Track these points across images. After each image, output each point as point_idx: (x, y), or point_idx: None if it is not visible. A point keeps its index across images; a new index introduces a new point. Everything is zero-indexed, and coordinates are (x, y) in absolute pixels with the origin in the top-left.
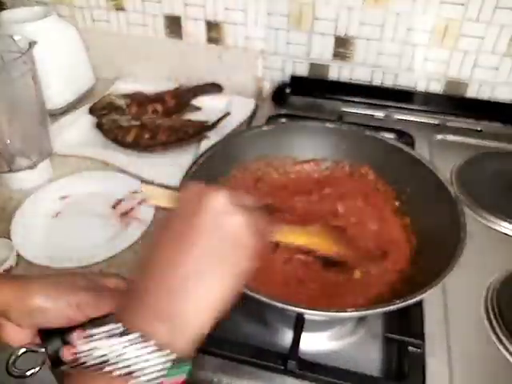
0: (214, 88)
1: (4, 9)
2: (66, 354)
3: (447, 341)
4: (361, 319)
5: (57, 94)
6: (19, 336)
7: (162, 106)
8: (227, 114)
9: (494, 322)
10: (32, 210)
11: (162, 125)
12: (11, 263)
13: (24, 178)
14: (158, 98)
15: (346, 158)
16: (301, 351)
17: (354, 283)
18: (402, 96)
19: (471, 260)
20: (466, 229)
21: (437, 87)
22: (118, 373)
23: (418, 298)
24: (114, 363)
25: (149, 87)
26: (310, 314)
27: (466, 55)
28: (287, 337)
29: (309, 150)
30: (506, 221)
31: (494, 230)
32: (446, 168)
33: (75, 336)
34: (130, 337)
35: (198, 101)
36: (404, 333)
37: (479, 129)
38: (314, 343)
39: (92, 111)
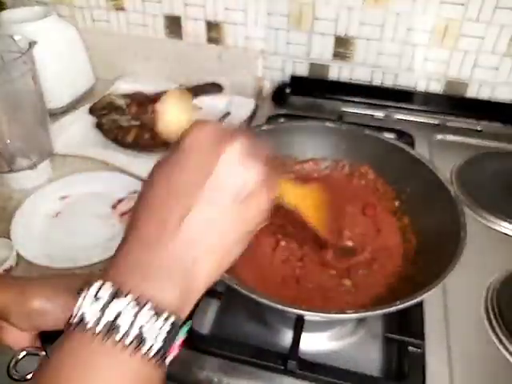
0: (214, 88)
1: (4, 9)
2: None
3: (447, 341)
4: (361, 320)
5: (57, 93)
6: (19, 338)
7: None
8: (227, 114)
9: (494, 322)
10: (32, 209)
11: None
12: (11, 263)
13: (24, 177)
14: (158, 98)
15: (346, 158)
16: (301, 351)
17: (352, 283)
18: (401, 96)
19: (471, 260)
20: (466, 229)
21: (437, 87)
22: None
23: (418, 299)
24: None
25: (149, 87)
26: (310, 316)
27: (466, 55)
28: (287, 337)
29: (309, 149)
30: (506, 221)
31: (494, 230)
32: (446, 168)
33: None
34: (129, 301)
35: (198, 101)
36: (404, 333)
37: (479, 129)
38: (314, 343)
39: (92, 111)
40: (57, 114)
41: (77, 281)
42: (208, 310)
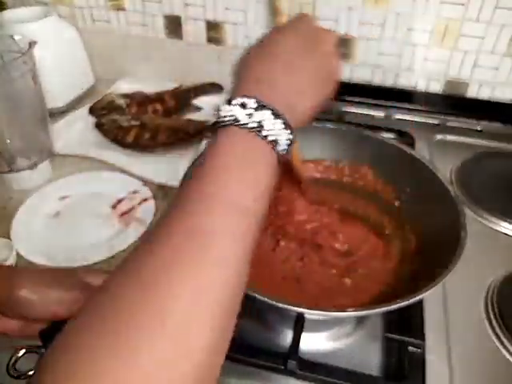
0: (214, 88)
1: (4, 9)
2: None
3: (447, 341)
4: (361, 319)
5: (57, 93)
6: (7, 325)
7: (162, 105)
8: None
9: (494, 322)
10: (32, 210)
11: (162, 125)
12: (11, 263)
13: (24, 178)
14: (158, 97)
15: (346, 158)
16: (301, 351)
17: (352, 282)
18: (402, 96)
19: (471, 260)
20: (466, 229)
21: (437, 87)
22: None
23: (417, 298)
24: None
25: (149, 87)
26: (310, 314)
27: (466, 55)
28: (287, 337)
29: (309, 149)
30: (506, 221)
31: (494, 230)
32: (445, 168)
33: None
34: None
35: (198, 101)
36: (404, 333)
37: (479, 129)
38: (314, 343)
39: (92, 111)
40: (57, 114)
41: (66, 276)
42: None
